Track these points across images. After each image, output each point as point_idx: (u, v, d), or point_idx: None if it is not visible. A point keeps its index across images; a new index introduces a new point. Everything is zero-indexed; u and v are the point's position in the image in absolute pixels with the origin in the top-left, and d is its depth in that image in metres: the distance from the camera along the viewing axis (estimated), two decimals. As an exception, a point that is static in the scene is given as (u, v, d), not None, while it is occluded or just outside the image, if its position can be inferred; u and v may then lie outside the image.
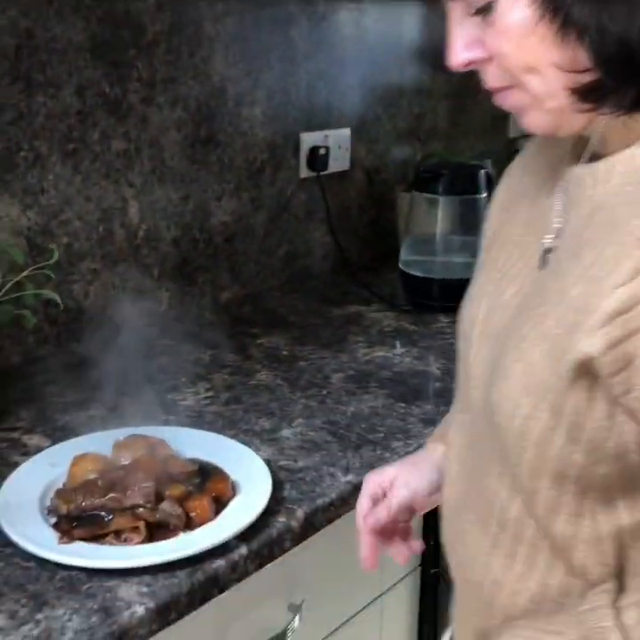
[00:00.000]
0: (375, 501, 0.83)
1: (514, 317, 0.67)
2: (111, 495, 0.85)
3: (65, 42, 1.26)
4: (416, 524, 1.14)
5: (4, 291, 1.05)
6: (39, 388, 1.21)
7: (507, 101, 0.66)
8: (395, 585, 1.13)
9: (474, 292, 0.78)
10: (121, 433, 1.00)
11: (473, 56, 0.64)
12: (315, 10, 1.63)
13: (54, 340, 1.33)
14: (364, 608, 1.09)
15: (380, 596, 1.11)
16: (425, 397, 1.21)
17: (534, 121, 0.65)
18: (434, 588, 1.17)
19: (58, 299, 1.08)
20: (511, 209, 0.77)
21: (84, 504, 0.84)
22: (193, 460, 0.95)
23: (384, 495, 0.83)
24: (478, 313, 0.74)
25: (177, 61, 1.42)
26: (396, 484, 0.84)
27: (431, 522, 1.15)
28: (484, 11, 0.62)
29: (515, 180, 0.80)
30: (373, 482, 0.85)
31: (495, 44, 0.62)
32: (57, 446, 1.01)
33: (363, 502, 0.83)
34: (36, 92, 1.24)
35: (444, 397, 1.20)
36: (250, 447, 1.02)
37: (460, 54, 0.65)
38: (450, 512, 0.77)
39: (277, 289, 1.67)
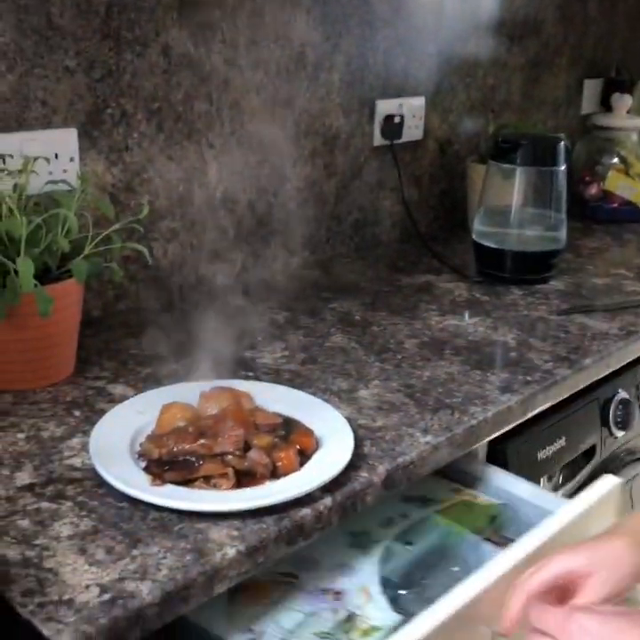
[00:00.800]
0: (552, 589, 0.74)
1: None
2: (201, 442, 0.87)
3: (153, 1, 1.27)
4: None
5: (93, 243, 1.07)
6: (120, 341, 1.24)
7: None
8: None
9: None
10: (205, 385, 1.02)
11: None
12: (395, -24, 1.62)
13: (133, 296, 1.36)
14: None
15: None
16: (501, 366, 1.21)
17: None
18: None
19: (147, 253, 1.10)
20: None
21: (175, 449, 0.86)
22: (277, 413, 0.97)
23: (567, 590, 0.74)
24: None
25: (260, 24, 1.43)
26: (590, 584, 0.72)
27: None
28: None
29: None
30: (561, 568, 0.74)
31: None
32: (143, 395, 1.04)
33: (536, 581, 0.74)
34: (124, 50, 1.26)
35: (521, 367, 1.20)
36: (330, 403, 1.03)
37: None
38: None
39: (346, 256, 1.68)
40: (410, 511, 1.03)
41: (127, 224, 1.10)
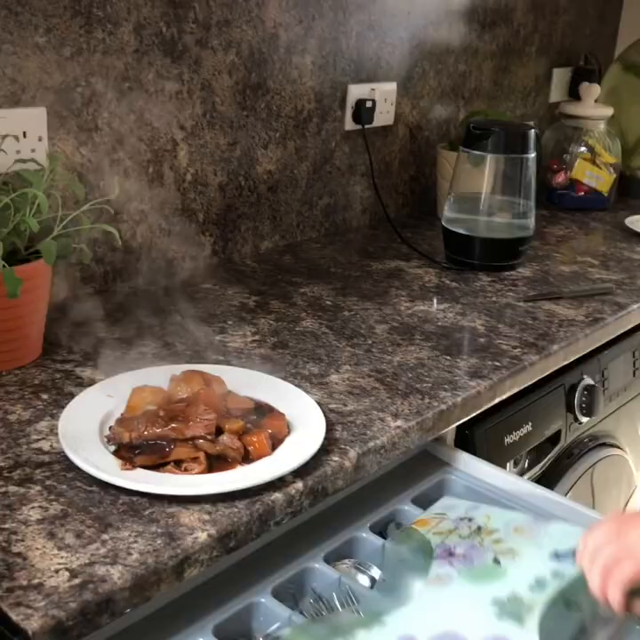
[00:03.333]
0: None
1: None
2: (173, 425, 0.86)
3: (125, -22, 1.25)
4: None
5: (63, 224, 1.05)
6: (89, 324, 1.22)
7: None
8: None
9: None
10: (175, 369, 1.02)
11: None
12: (369, -41, 1.62)
13: (101, 278, 1.35)
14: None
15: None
16: (470, 352, 1.22)
17: None
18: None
19: (117, 234, 1.09)
20: None
21: (145, 432, 0.86)
22: (249, 398, 0.96)
23: None
24: None
25: (233, 4, 1.41)
26: None
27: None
28: None
29: None
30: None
31: None
32: (112, 378, 1.03)
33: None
34: (94, 29, 1.24)
35: (489, 353, 1.21)
36: (300, 388, 1.03)
37: None
38: None
39: (316, 240, 1.68)
40: (562, 567, 0.86)
41: (97, 205, 1.08)
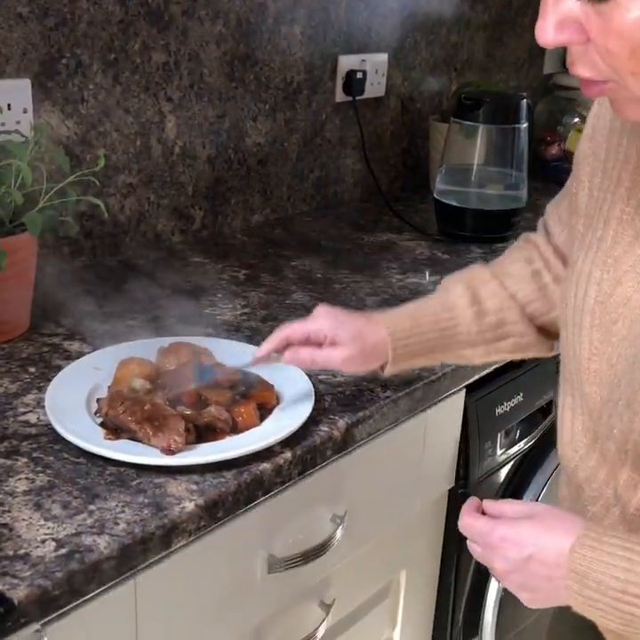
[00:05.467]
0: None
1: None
2: (145, 428, 0.83)
3: (109, -54, 1.23)
4: (452, 442, 1.16)
5: (48, 196, 1.04)
6: (76, 297, 1.21)
7: (597, 93, 0.59)
8: (429, 502, 1.16)
9: (575, 269, 0.72)
10: (164, 341, 1.01)
11: (567, 38, 0.56)
12: None
13: (89, 252, 1.34)
14: (399, 521, 1.11)
15: (414, 511, 1.13)
16: (460, 322, 1.21)
17: (631, 112, 0.59)
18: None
19: (103, 206, 1.08)
20: (610, 176, 0.71)
21: (121, 417, 0.84)
22: (237, 369, 0.96)
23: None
24: (585, 300, 0.69)
25: (219, -27, 1.39)
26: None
27: (462, 446, 1.17)
28: None
29: (612, 140, 0.72)
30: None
31: (602, 39, 0.54)
32: (100, 351, 1.02)
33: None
34: (78, -2, 1.22)
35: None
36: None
37: (551, 34, 0.56)
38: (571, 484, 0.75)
39: (308, 214, 1.67)
40: None
41: (83, 176, 1.07)
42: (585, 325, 0.69)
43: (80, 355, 1.04)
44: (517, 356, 0.93)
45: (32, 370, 1.01)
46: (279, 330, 0.90)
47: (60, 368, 0.99)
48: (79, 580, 0.69)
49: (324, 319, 0.89)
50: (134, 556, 0.74)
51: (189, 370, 0.90)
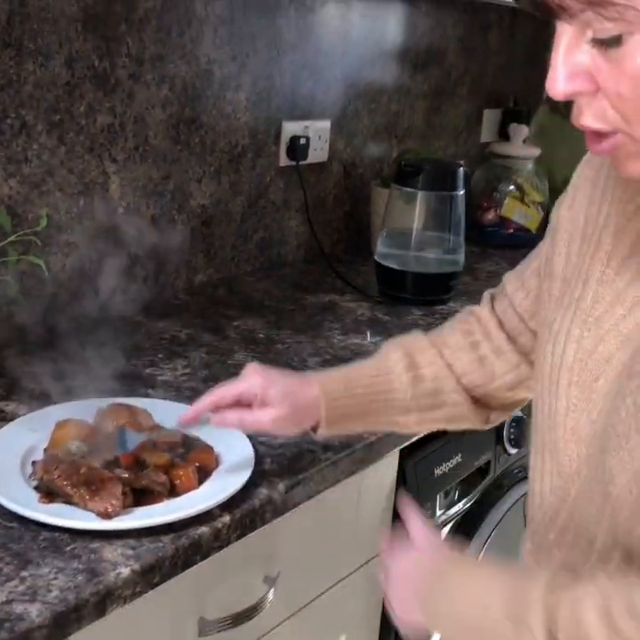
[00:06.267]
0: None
1: (624, 378, 0.65)
2: (81, 492, 0.82)
3: (57, 11, 1.25)
4: (387, 503, 1.16)
5: (-12, 255, 1.04)
6: (14, 357, 1.19)
7: (608, 149, 0.59)
8: (366, 563, 1.15)
9: (552, 328, 0.73)
10: (102, 402, 1.00)
11: (577, 88, 0.57)
12: (303, 1, 1.65)
13: (29, 311, 1.32)
14: (335, 584, 1.10)
15: (351, 573, 1.13)
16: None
17: (633, 168, 0.60)
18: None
19: (43, 265, 1.08)
20: (589, 241, 0.72)
21: (57, 483, 0.83)
22: (176, 431, 0.95)
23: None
24: (563, 359, 0.70)
25: (166, 39, 1.42)
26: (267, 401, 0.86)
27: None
28: (609, 44, 0.54)
29: (591, 209, 0.74)
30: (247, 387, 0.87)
31: (613, 84, 0.55)
32: (37, 412, 1.01)
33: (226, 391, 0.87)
34: (25, 61, 1.23)
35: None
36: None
37: (562, 84, 0.57)
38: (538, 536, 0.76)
39: (251, 274, 1.68)
40: None
41: (24, 236, 1.07)
42: (562, 382, 0.70)
43: (15, 416, 1.02)
44: (451, 427, 0.93)
45: (-34, 431, 0.99)
46: (209, 392, 0.89)
47: (-6, 430, 0.97)
48: (9, 651, 0.67)
49: (254, 378, 0.88)
50: (68, 623, 0.72)
51: (113, 437, 0.89)
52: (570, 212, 0.77)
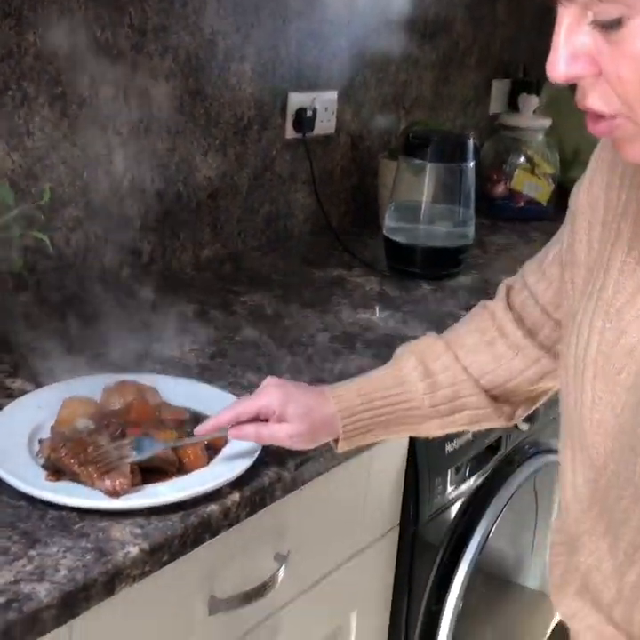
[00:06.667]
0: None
1: None
2: (88, 470, 0.81)
3: (58, -20, 1.22)
4: (397, 479, 1.16)
5: (-9, 230, 1.02)
6: (20, 333, 1.18)
7: (606, 130, 0.59)
8: (375, 541, 1.14)
9: (576, 319, 0.71)
10: (109, 379, 0.99)
11: (579, 71, 0.56)
12: (308, -32, 1.61)
13: (34, 287, 1.31)
14: (346, 561, 1.10)
15: (362, 551, 1.12)
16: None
17: (634, 152, 0.59)
18: (411, 547, 1.18)
19: (48, 241, 1.06)
20: (610, 228, 0.71)
21: (64, 461, 0.82)
22: (185, 408, 0.94)
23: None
24: (587, 350, 0.68)
25: (169, 10, 1.39)
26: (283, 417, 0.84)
27: (410, 479, 1.16)
28: (609, 26, 0.54)
29: (610, 195, 0.72)
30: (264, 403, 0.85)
31: (613, 66, 0.55)
32: (43, 389, 0.99)
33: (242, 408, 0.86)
34: (25, 31, 1.21)
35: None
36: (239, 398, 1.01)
37: (563, 67, 0.56)
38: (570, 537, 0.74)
39: (257, 249, 1.66)
40: None
41: (27, 210, 1.05)
42: (587, 375, 0.68)
43: (22, 393, 1.01)
44: (475, 428, 0.90)
45: (-29, 409, 0.97)
46: (228, 407, 0.87)
47: (1, 407, 0.96)
48: (18, 631, 0.66)
49: (272, 393, 0.86)
50: (76, 603, 0.71)
51: (127, 447, 0.85)
52: (588, 197, 0.75)
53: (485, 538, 1.25)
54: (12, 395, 1.01)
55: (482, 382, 0.86)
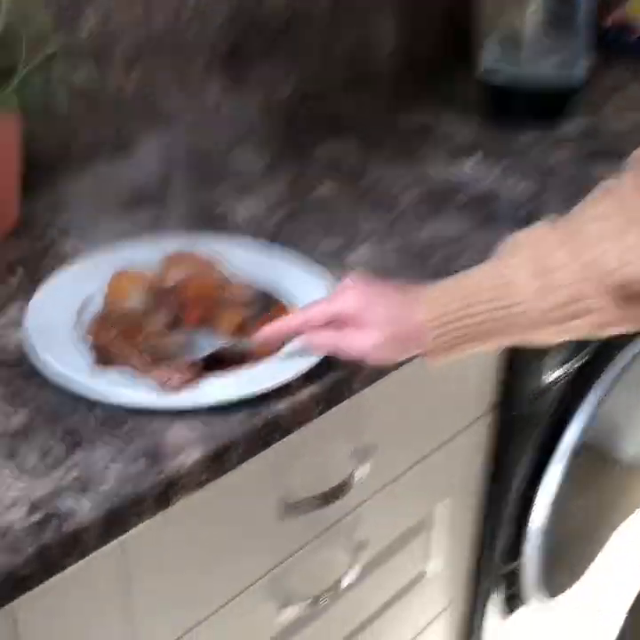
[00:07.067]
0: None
1: None
2: (145, 359, 0.71)
3: None
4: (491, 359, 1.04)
5: (29, 66, 0.87)
6: (72, 191, 1.06)
7: None
8: (467, 427, 1.04)
9: None
10: (169, 243, 0.86)
11: None
12: None
13: (87, 134, 1.17)
14: (434, 451, 1.00)
15: (451, 438, 1.02)
16: (511, 223, 1.04)
17: None
18: (509, 432, 1.08)
19: (95, 77, 0.91)
20: None
21: (117, 351, 0.72)
22: (251, 283, 0.82)
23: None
24: None
25: None
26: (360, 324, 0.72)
27: (506, 358, 1.04)
28: None
29: None
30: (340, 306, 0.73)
31: None
32: (95, 255, 0.88)
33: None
34: None
35: (534, 224, 1.05)
36: (313, 270, 0.88)
37: None
38: None
39: (336, 89, 1.48)
40: None
41: (73, 42, 0.90)
42: None
43: (74, 256, 0.90)
44: (600, 335, 0.75)
45: (16, 275, 0.87)
46: (298, 311, 0.75)
47: (51, 272, 0.85)
48: (56, 554, 0.58)
49: (351, 298, 0.73)
50: (124, 520, 0.62)
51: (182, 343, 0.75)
52: None
53: (592, 416, 1.14)
54: (62, 259, 0.90)
55: (607, 281, 0.70)
